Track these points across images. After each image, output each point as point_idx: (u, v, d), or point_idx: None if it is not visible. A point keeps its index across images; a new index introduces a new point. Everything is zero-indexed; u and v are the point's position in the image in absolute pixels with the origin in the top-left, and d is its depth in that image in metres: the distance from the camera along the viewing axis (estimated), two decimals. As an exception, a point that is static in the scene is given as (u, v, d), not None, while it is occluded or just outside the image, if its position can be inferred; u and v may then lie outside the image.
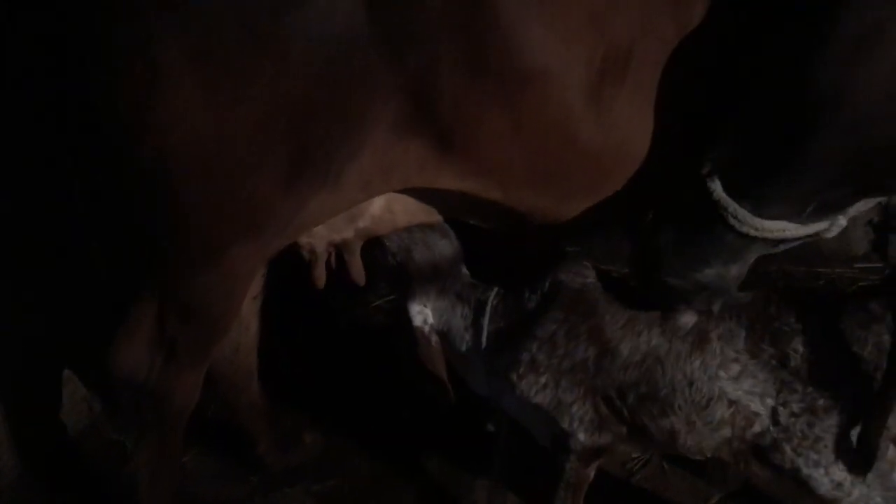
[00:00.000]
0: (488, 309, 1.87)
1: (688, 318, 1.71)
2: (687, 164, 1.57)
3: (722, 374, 1.68)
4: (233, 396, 2.18)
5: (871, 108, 1.32)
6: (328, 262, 1.93)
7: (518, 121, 1.58)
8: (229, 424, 2.29)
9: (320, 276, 1.92)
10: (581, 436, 1.80)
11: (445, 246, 1.94)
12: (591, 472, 1.89)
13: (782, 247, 1.63)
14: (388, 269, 1.94)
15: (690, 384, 1.70)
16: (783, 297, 1.71)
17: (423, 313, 1.89)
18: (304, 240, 1.82)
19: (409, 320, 1.88)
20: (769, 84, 1.47)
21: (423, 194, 1.78)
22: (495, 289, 1.90)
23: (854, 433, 1.63)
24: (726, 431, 1.71)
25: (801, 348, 1.64)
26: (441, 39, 1.48)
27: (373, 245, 1.93)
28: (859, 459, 1.64)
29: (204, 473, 2.36)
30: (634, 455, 2.28)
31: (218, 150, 1.50)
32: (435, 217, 1.88)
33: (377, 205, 1.80)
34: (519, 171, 1.67)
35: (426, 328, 1.89)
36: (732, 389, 1.68)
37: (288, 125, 1.49)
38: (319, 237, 1.83)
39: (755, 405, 1.68)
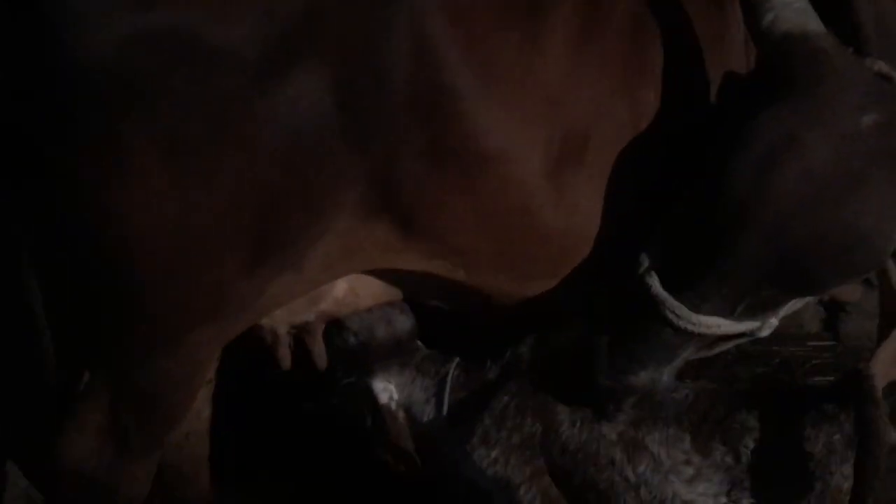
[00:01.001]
0: (449, 380, 1.87)
1: (612, 427, 1.72)
2: (629, 257, 1.60)
3: (674, 478, 1.69)
4: (181, 487, 2.09)
5: (787, 211, 1.39)
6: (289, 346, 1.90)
7: (479, 205, 1.60)
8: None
9: (284, 357, 1.89)
10: None
11: (405, 322, 1.96)
12: None
13: (716, 349, 1.66)
14: (349, 349, 1.92)
15: (638, 487, 1.70)
16: (732, 395, 1.73)
17: (388, 390, 1.89)
18: (265, 322, 1.78)
19: (373, 400, 1.86)
20: (697, 183, 1.52)
21: (386, 275, 1.77)
22: (455, 360, 1.91)
23: None
24: None
25: (752, 444, 1.66)
26: (404, 126, 1.50)
27: (331, 326, 1.92)
28: None
29: (154, 571, 2.24)
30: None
31: (182, 238, 1.48)
32: (397, 298, 1.88)
33: (340, 287, 1.78)
34: (482, 253, 1.68)
35: (393, 405, 1.88)
36: (686, 492, 1.69)
37: (253, 212, 1.49)
38: (280, 320, 1.80)
39: None
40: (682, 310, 1.49)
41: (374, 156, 1.52)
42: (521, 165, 1.59)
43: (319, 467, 2.48)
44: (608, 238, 1.69)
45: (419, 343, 1.97)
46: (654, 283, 1.51)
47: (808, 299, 1.62)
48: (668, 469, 1.68)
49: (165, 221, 1.45)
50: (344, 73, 1.44)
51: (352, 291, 1.80)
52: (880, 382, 1.62)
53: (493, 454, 1.77)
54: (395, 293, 1.85)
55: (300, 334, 1.88)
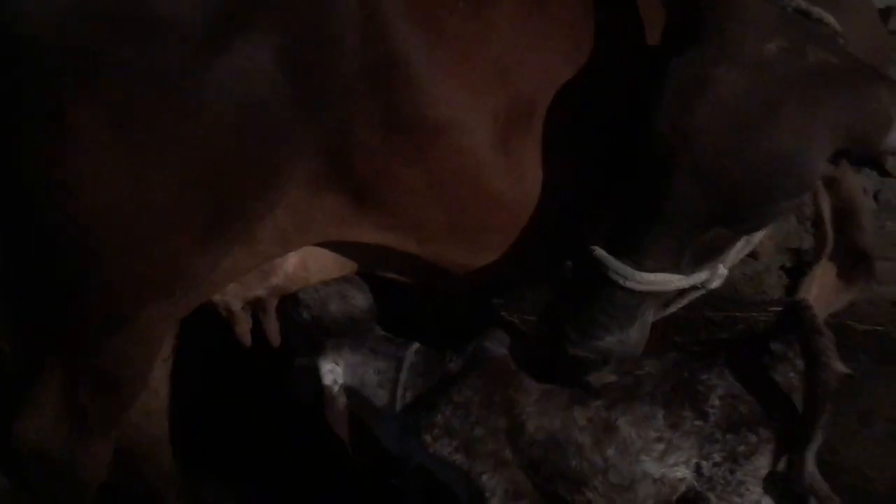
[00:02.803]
0: (405, 365, 1.82)
1: (584, 411, 1.71)
2: (577, 223, 1.61)
3: (645, 457, 1.69)
4: (143, 466, 2.07)
5: (707, 148, 1.41)
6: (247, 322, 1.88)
7: (430, 174, 1.60)
8: (140, 497, 2.17)
9: (243, 333, 1.87)
10: None
11: (361, 299, 1.91)
12: None
13: (673, 307, 1.67)
14: (302, 324, 1.89)
15: (606, 470, 1.70)
16: (692, 357, 1.74)
17: (333, 372, 1.83)
18: (218, 298, 1.77)
19: (318, 380, 1.82)
20: (626, 136, 1.54)
21: (340, 249, 1.76)
22: (415, 345, 1.86)
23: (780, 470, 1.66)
24: (650, 502, 1.72)
25: (717, 402, 1.67)
26: (355, 96, 1.49)
27: (286, 301, 1.89)
28: (794, 495, 1.65)
29: (116, 550, 2.23)
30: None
31: (133, 212, 1.47)
32: (349, 272, 1.86)
33: (291, 262, 1.77)
34: (435, 224, 1.67)
35: (335, 388, 1.82)
36: (657, 468, 1.69)
37: (205, 185, 1.48)
38: (233, 295, 1.79)
39: (680, 472, 1.69)
40: (626, 270, 1.51)
41: (324, 126, 1.50)
42: (471, 134, 1.58)
43: (281, 446, 2.48)
44: (558, 205, 1.68)
45: (376, 324, 1.93)
46: (598, 246, 1.53)
47: (754, 241, 1.62)
48: (638, 449, 1.69)
49: (116, 195, 1.43)
50: (292, 43, 1.42)
51: (302, 266, 1.78)
52: (821, 311, 1.65)
53: (455, 444, 1.75)
54: (347, 267, 1.83)
55: (255, 311, 1.86)
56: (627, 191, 1.54)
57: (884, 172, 2.81)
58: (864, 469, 2.39)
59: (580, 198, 1.66)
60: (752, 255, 1.94)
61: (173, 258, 1.53)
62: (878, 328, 2.90)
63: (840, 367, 1.63)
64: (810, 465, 1.61)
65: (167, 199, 1.46)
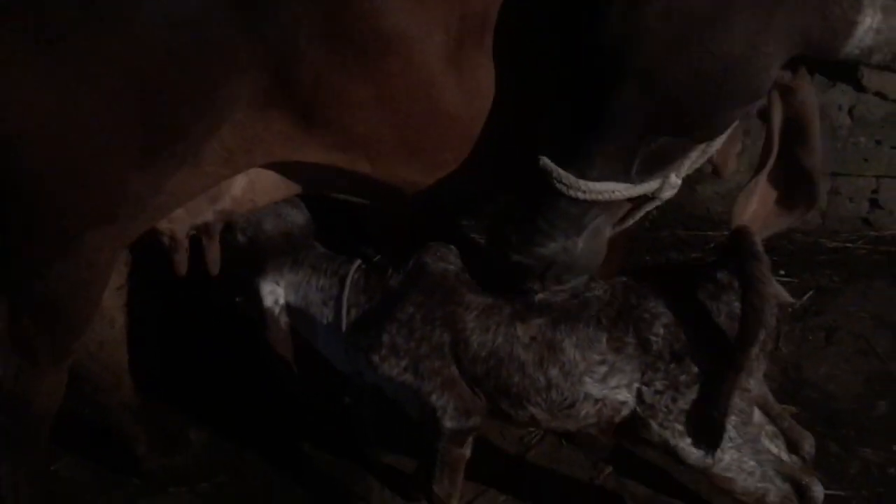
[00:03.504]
0: (348, 283, 1.79)
1: (526, 329, 1.69)
2: (525, 136, 1.56)
3: (587, 379, 1.68)
4: (103, 397, 2.06)
5: (656, 51, 1.36)
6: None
7: (380, 89, 1.54)
8: (103, 427, 2.16)
9: (181, 262, 1.82)
10: (447, 422, 1.76)
11: (297, 216, 1.87)
12: (467, 451, 1.84)
13: (630, 220, 1.63)
14: (239, 248, 1.85)
15: (548, 388, 1.69)
16: (640, 284, 1.71)
17: (274, 293, 1.81)
18: (164, 225, 1.72)
19: (258, 300, 1.80)
20: (569, 42, 1.49)
21: (289, 170, 1.70)
22: (357, 262, 1.83)
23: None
24: (592, 420, 1.72)
25: (661, 331, 1.65)
26: (298, 7, 1.43)
27: (224, 228, 1.84)
28: (709, 430, 1.65)
29: (78, 481, 2.22)
30: (531, 429, 2.26)
31: (65, 131, 1.42)
32: (297, 193, 1.80)
33: (238, 185, 1.71)
34: (385, 142, 1.62)
35: (276, 309, 1.81)
36: (599, 390, 1.68)
37: (139, 103, 1.42)
38: (180, 221, 1.73)
39: (622, 395, 1.68)
40: (570, 178, 1.47)
41: (267, 40, 1.44)
42: (422, 47, 1.52)
43: (241, 371, 2.45)
44: (510, 122, 1.63)
45: (314, 241, 1.89)
46: (543, 155, 1.50)
47: (710, 151, 1.56)
48: (581, 371, 1.67)
49: (44, 112, 1.39)
50: None
51: (250, 188, 1.73)
52: (760, 234, 1.61)
53: (403, 364, 1.73)
54: (296, 189, 1.78)
55: (199, 236, 1.81)
56: (573, 98, 1.49)
57: (859, 87, 2.77)
58: (828, 385, 2.40)
59: (532, 114, 1.60)
60: (717, 173, 1.89)
61: (111, 179, 1.49)
62: (848, 245, 2.89)
63: (783, 294, 1.62)
64: (733, 394, 1.60)
65: (98, 118, 1.41)
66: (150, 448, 2.19)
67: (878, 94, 2.77)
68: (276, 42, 1.44)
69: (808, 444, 1.94)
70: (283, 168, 1.69)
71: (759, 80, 1.38)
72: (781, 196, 1.63)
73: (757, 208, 1.61)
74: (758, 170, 1.59)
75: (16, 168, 1.45)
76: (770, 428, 1.87)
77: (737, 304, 1.62)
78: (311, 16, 1.44)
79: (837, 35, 1.35)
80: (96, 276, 1.66)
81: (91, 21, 1.35)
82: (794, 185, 1.61)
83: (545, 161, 1.49)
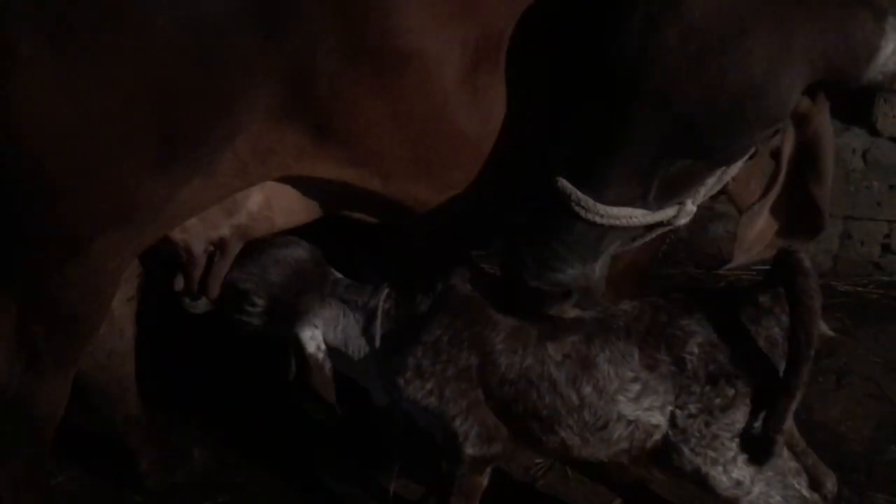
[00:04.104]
0: (379, 313, 1.77)
1: (558, 347, 1.68)
2: (541, 158, 1.55)
3: (621, 397, 1.65)
4: (108, 408, 2.05)
5: (674, 73, 1.35)
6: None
7: (395, 106, 1.54)
8: (107, 441, 2.14)
9: (194, 280, 1.80)
10: (468, 449, 1.74)
11: (297, 251, 1.82)
12: (485, 480, 1.82)
13: (639, 241, 1.62)
14: (262, 312, 1.80)
15: (581, 408, 1.67)
16: (672, 302, 1.70)
17: (315, 338, 1.76)
18: (178, 236, 1.72)
19: (300, 348, 1.75)
20: (585, 63, 1.48)
21: (303, 186, 1.70)
22: (385, 290, 1.80)
23: (755, 426, 1.63)
24: (624, 444, 1.69)
25: (695, 350, 1.63)
26: (318, 21, 1.44)
27: (234, 300, 1.81)
28: (759, 449, 1.63)
29: (79, 496, 2.20)
30: (538, 460, 2.24)
31: (77, 133, 1.41)
32: (315, 215, 1.79)
33: (254, 200, 1.71)
34: (398, 159, 1.62)
35: (320, 355, 1.76)
36: (632, 410, 1.66)
37: (154, 108, 1.42)
38: (195, 233, 1.73)
39: (655, 418, 1.66)
40: (588, 201, 1.46)
41: (285, 52, 1.45)
42: (438, 66, 1.53)
43: (252, 388, 2.45)
44: (524, 144, 1.63)
45: (332, 270, 1.86)
46: (561, 177, 1.48)
47: (726, 178, 1.55)
48: (615, 389, 1.65)
49: (57, 114, 1.38)
50: None
51: (266, 204, 1.72)
52: (762, 255, 1.61)
53: (428, 386, 1.71)
54: (311, 206, 1.77)
55: (214, 254, 1.79)
56: (590, 118, 1.48)
57: (873, 131, 2.78)
58: (839, 428, 2.37)
59: (547, 136, 1.60)
60: (734, 204, 1.88)
61: (124, 184, 1.48)
62: (859, 288, 2.88)
63: (824, 328, 1.60)
64: (788, 422, 1.59)
65: (112, 121, 1.41)
66: (153, 464, 2.17)
67: (891, 138, 2.78)
68: (295, 54, 1.45)
69: (831, 482, 1.91)
70: (297, 183, 1.69)
71: (779, 104, 1.36)
72: (786, 221, 1.61)
73: (760, 232, 1.60)
74: (763, 193, 1.57)
75: (27, 168, 1.44)
76: (794, 465, 1.84)
77: (777, 330, 1.60)
78: (329, 30, 1.45)
79: (860, 60, 1.34)
80: (106, 283, 1.66)
81: (109, 23, 1.35)
82: (800, 211, 1.59)
83: (563, 183, 1.47)
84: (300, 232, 1.84)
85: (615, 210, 1.46)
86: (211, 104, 1.45)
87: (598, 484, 2.19)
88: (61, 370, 1.74)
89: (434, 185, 1.68)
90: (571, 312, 1.64)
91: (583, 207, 1.46)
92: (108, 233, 1.55)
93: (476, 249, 1.98)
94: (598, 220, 1.47)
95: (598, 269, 1.55)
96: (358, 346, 1.80)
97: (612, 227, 1.49)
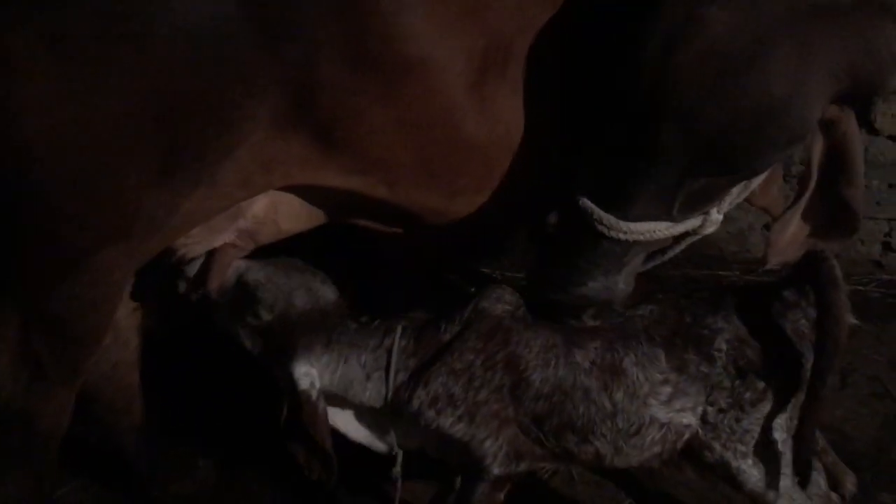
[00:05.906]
0: (395, 351, 1.71)
1: (584, 354, 1.68)
2: (560, 174, 1.56)
3: (653, 401, 1.66)
4: (112, 419, 2.04)
5: (697, 91, 1.35)
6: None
7: (400, 114, 1.54)
8: (111, 452, 2.13)
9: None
10: (496, 469, 1.72)
11: (328, 292, 1.77)
12: (502, 496, 1.81)
13: (670, 252, 1.62)
14: (263, 326, 1.74)
15: (614, 415, 1.66)
16: (696, 301, 1.70)
17: (309, 375, 1.70)
18: (181, 241, 1.70)
19: (293, 385, 1.69)
20: (610, 80, 1.48)
21: (308, 194, 1.70)
22: (399, 327, 1.74)
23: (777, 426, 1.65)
24: (657, 448, 1.70)
25: (724, 346, 1.64)
26: (319, 29, 1.43)
27: (243, 302, 1.76)
28: (799, 464, 1.64)
29: (83, 508, 2.19)
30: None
31: (78, 144, 1.41)
32: (321, 220, 1.78)
33: (260, 204, 1.70)
34: (404, 167, 1.62)
35: (314, 393, 1.69)
36: (664, 413, 1.66)
37: (155, 119, 1.41)
38: (199, 238, 1.72)
39: (687, 419, 1.66)
40: (611, 220, 1.46)
41: (287, 61, 1.44)
42: (444, 74, 1.52)
43: (248, 396, 2.42)
44: (533, 151, 1.63)
45: (349, 320, 1.78)
46: (583, 196, 1.49)
47: (752, 185, 1.56)
48: (646, 392, 1.65)
49: (58, 125, 1.38)
50: None
51: (273, 208, 1.71)
52: (790, 258, 1.62)
53: (458, 412, 1.68)
54: (317, 212, 1.76)
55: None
56: (611, 137, 1.48)
57: (872, 130, 2.79)
58: (844, 428, 2.37)
59: (555, 144, 1.61)
60: (765, 210, 1.90)
61: (126, 196, 1.47)
62: (860, 287, 2.88)
63: (851, 320, 1.61)
64: (815, 427, 1.61)
65: (114, 133, 1.40)
66: (158, 474, 2.16)
67: (890, 136, 2.79)
68: (297, 63, 1.45)
69: (851, 482, 1.92)
70: (303, 192, 1.68)
71: (802, 120, 1.36)
72: (819, 224, 1.61)
73: (793, 235, 1.60)
74: (796, 199, 1.57)
75: (28, 180, 1.44)
76: (816, 463, 1.85)
77: (803, 322, 1.62)
78: (332, 38, 1.45)
79: (883, 70, 1.34)
80: (108, 294, 1.65)
81: (110, 34, 1.35)
82: (832, 213, 1.58)
83: (585, 202, 1.48)
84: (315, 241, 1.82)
85: (638, 226, 1.47)
86: (213, 116, 1.44)
87: (605, 485, 2.18)
88: (65, 382, 1.74)
89: (441, 193, 1.68)
90: (590, 322, 1.64)
91: (605, 226, 1.47)
92: (110, 245, 1.54)
93: (486, 261, 1.99)
94: (621, 236, 1.47)
95: (623, 280, 1.55)
96: (363, 388, 1.74)
97: (636, 242, 1.49)
